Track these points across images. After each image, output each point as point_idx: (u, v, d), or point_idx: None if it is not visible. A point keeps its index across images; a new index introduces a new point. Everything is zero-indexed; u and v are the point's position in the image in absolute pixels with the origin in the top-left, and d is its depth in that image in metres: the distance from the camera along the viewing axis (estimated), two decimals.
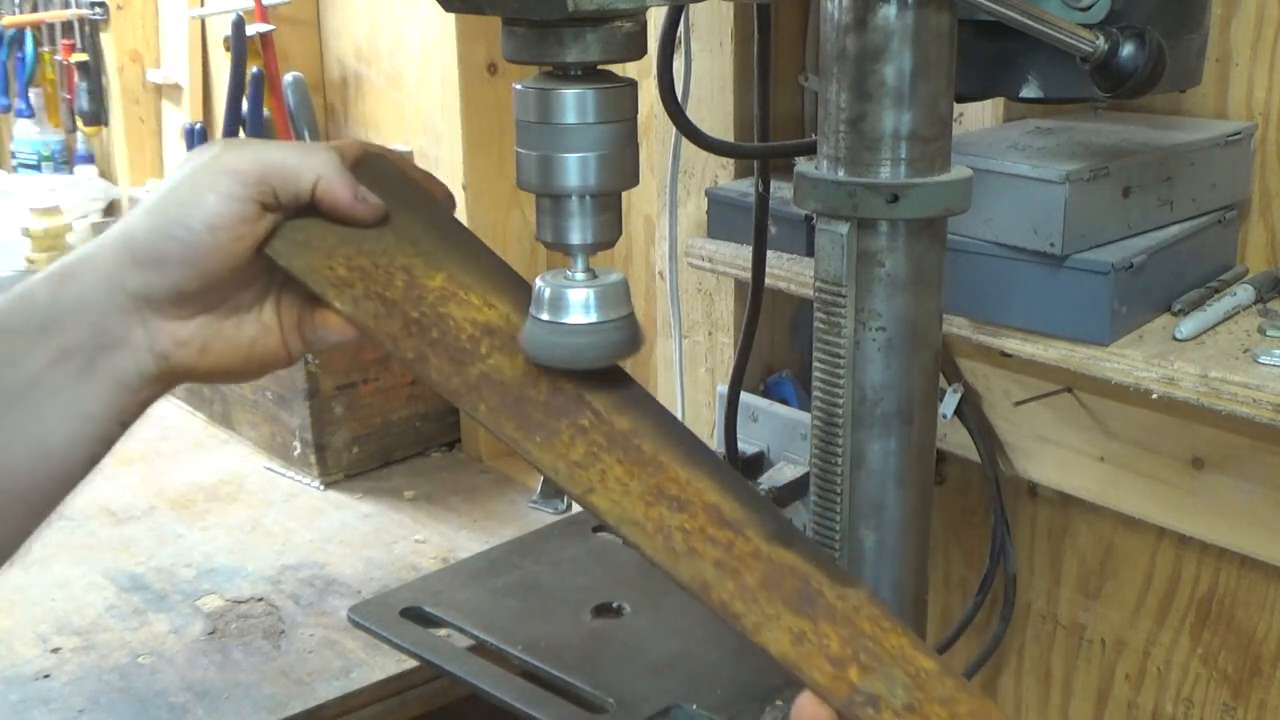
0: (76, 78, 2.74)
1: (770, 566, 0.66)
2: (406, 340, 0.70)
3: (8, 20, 2.91)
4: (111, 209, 2.84)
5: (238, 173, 0.69)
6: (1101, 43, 0.76)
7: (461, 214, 1.82)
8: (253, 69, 2.05)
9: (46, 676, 1.30)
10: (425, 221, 0.76)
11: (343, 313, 0.71)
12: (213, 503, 1.72)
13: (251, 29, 2.08)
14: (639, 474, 0.68)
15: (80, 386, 0.70)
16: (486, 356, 0.71)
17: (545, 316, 0.70)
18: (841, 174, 0.77)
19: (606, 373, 0.72)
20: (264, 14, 2.14)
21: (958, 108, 1.01)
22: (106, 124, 2.77)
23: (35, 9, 2.89)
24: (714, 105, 1.30)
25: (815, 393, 0.82)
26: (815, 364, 0.81)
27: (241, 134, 2.05)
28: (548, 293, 0.71)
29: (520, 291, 0.75)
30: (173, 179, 0.70)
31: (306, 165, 0.71)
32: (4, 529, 0.71)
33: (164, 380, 0.73)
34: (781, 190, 1.13)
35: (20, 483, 0.70)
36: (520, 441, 0.68)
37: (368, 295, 0.71)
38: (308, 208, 0.72)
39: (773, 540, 0.67)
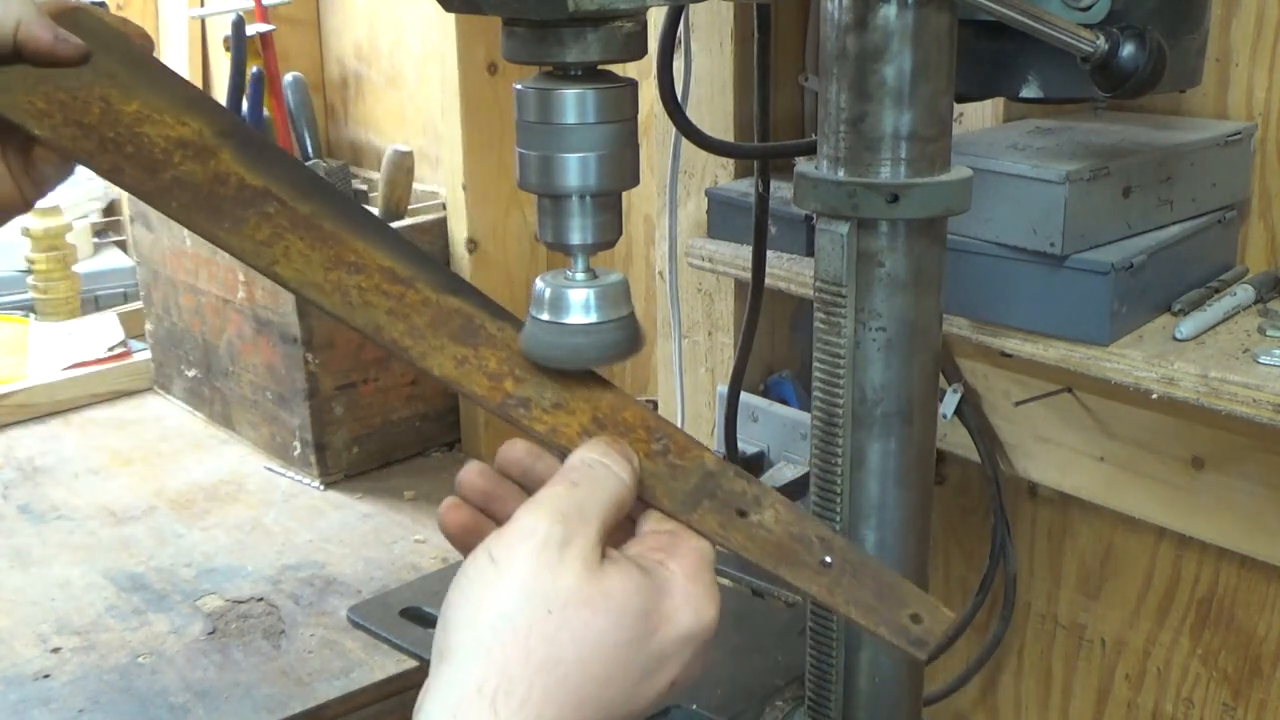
0: None
1: (437, 310, 0.74)
2: (102, 156, 0.76)
3: None
4: (111, 209, 2.84)
5: None
6: (1102, 43, 0.76)
7: (461, 214, 1.83)
8: (253, 69, 2.05)
9: (46, 676, 1.30)
10: (124, 62, 0.81)
11: (41, 137, 0.76)
12: (213, 503, 1.72)
13: (251, 29, 2.08)
14: (320, 247, 0.75)
15: None
16: (179, 165, 0.77)
17: (545, 316, 0.70)
18: (841, 174, 0.77)
19: (293, 166, 0.80)
20: (264, 14, 2.14)
21: (958, 108, 1.01)
22: None
23: None
24: (714, 105, 1.30)
25: (815, 393, 0.82)
26: (815, 364, 0.81)
27: None
28: (548, 293, 0.70)
29: (215, 113, 0.80)
30: None
31: (6, 13, 0.75)
32: None
33: None
34: (781, 190, 1.13)
35: None
36: (210, 229, 0.75)
37: (66, 123, 0.77)
38: (12, 57, 0.77)
39: (441, 290, 0.75)
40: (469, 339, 0.73)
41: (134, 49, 0.83)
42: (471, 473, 0.70)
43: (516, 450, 0.70)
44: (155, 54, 0.84)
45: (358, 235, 0.77)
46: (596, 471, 0.64)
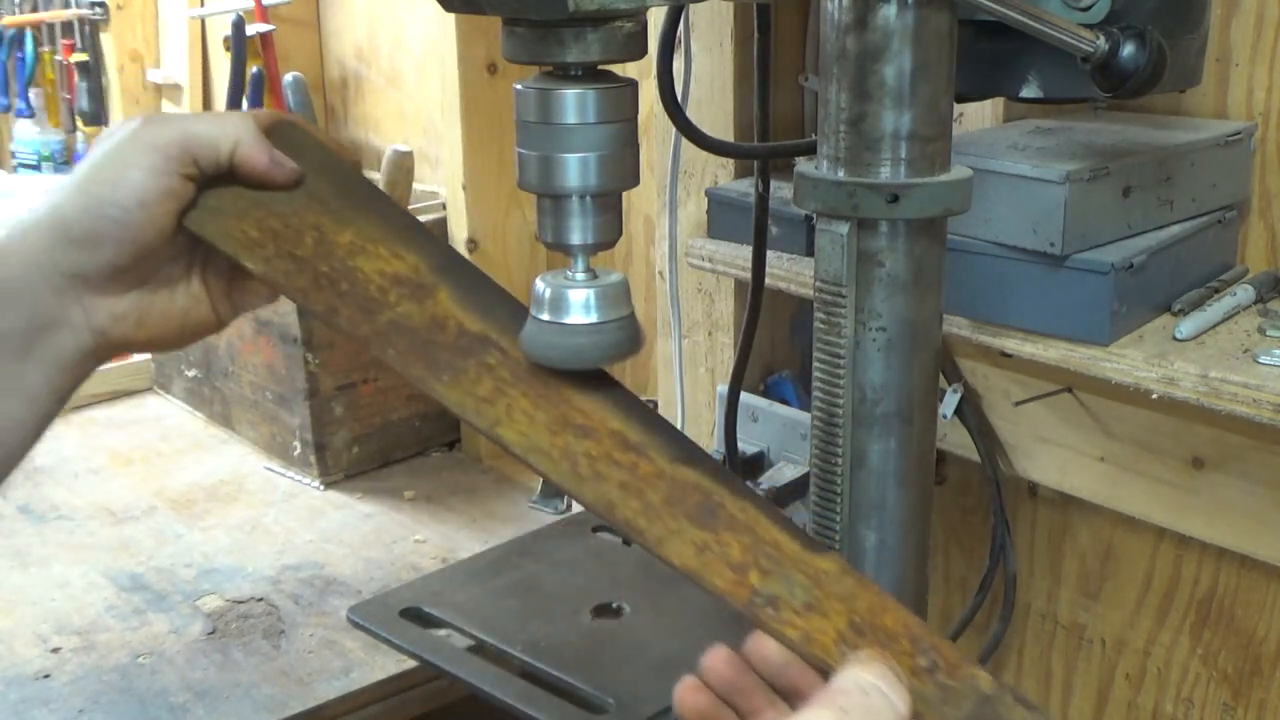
0: (76, 78, 2.74)
1: (673, 485, 0.68)
2: (316, 294, 0.73)
3: (8, 20, 2.91)
4: None
5: (160, 146, 0.70)
6: (1102, 43, 0.76)
7: (461, 214, 1.82)
8: (253, 69, 2.05)
9: (46, 676, 1.30)
10: (335, 183, 0.78)
11: (254, 272, 0.73)
12: (213, 503, 1.72)
13: (251, 29, 2.08)
14: (544, 405, 0.70)
15: (16, 369, 0.71)
16: (395, 305, 0.73)
17: (545, 317, 0.70)
18: (841, 174, 0.77)
19: (512, 311, 0.75)
20: (264, 14, 2.14)
21: (958, 108, 1.01)
22: (106, 124, 2.76)
23: (35, 9, 2.89)
24: (714, 105, 1.30)
25: (815, 393, 0.82)
26: (815, 364, 0.81)
27: None
28: (548, 293, 0.71)
29: (429, 245, 0.77)
30: (95, 156, 0.71)
31: (225, 133, 0.72)
32: None
33: (101, 354, 0.74)
34: (781, 190, 1.13)
35: None
36: (428, 380, 0.70)
37: (279, 254, 0.74)
38: (225, 177, 0.74)
39: (675, 461, 0.69)
40: (708, 521, 0.67)
41: (344, 168, 0.79)
42: (719, 659, 0.65)
43: (768, 648, 0.64)
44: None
45: (582, 390, 0.71)
46: (872, 699, 0.58)
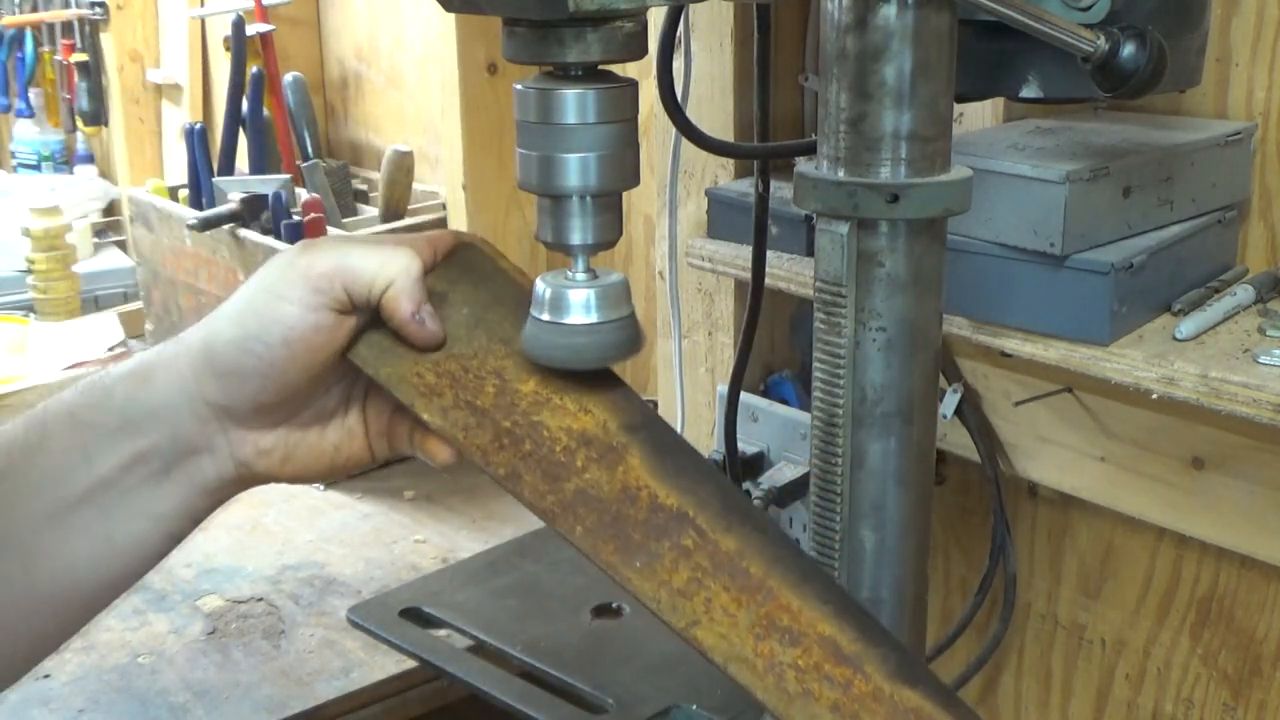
0: (76, 78, 2.74)
1: (893, 709, 0.61)
2: (498, 454, 0.67)
3: (8, 20, 2.91)
4: (111, 209, 2.85)
5: (313, 277, 0.67)
6: (1102, 43, 0.76)
7: (461, 214, 1.82)
8: (253, 69, 2.05)
9: (46, 676, 1.30)
10: (517, 318, 0.71)
11: (431, 425, 0.68)
12: None
13: (251, 29, 2.08)
14: (747, 602, 0.63)
15: (155, 489, 0.69)
16: (583, 470, 0.67)
17: (546, 317, 0.70)
18: (841, 174, 0.77)
19: (708, 478, 0.68)
20: (264, 14, 2.14)
21: (958, 108, 1.01)
22: (106, 124, 2.77)
23: (35, 9, 2.89)
24: (714, 105, 1.30)
25: (815, 393, 0.82)
26: (815, 364, 0.81)
27: (241, 134, 2.05)
28: (548, 293, 0.70)
29: (618, 392, 0.71)
30: (254, 281, 0.69)
31: (382, 271, 0.68)
32: (60, 623, 0.71)
33: (243, 483, 0.71)
34: (781, 190, 1.13)
35: (81, 578, 0.69)
36: (619, 568, 0.63)
37: (457, 404, 0.68)
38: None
39: (895, 678, 0.62)
40: None
41: (526, 302, 0.71)
42: None
43: None
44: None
45: (790, 584, 0.64)
46: None
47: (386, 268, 0.68)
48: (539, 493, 0.66)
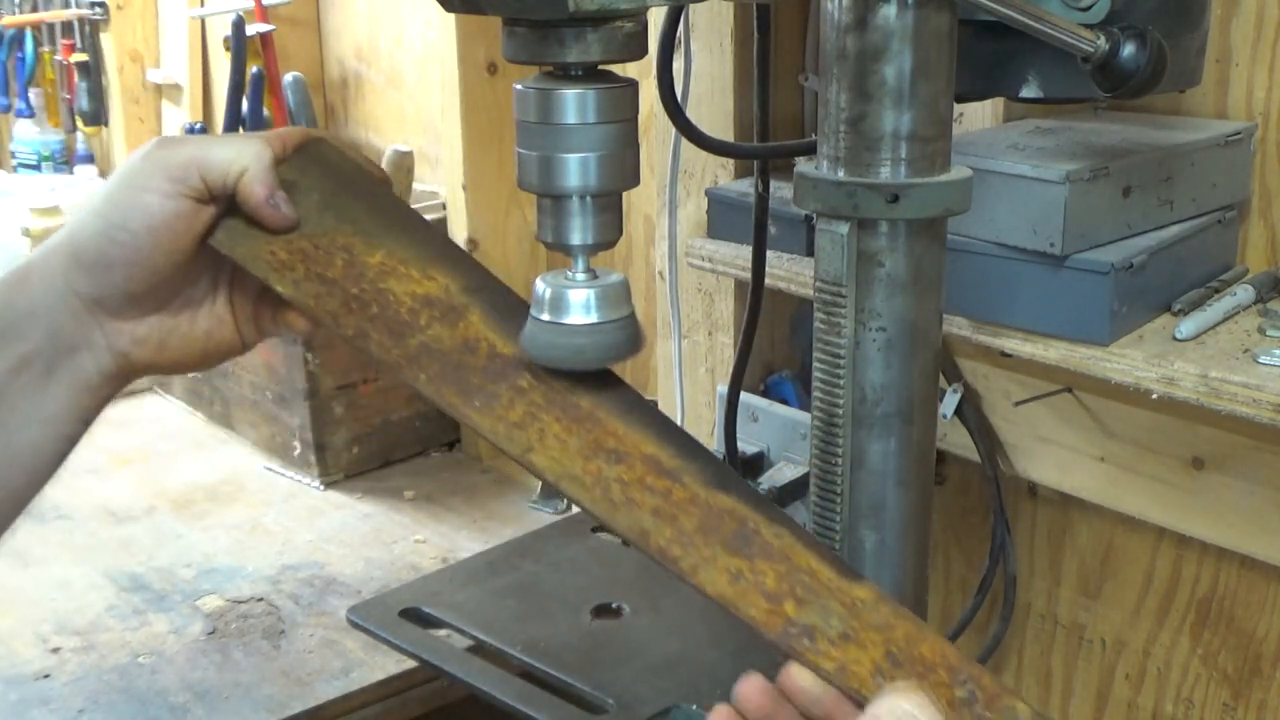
0: (76, 78, 2.74)
1: (707, 511, 0.67)
2: (347, 317, 0.72)
3: (8, 20, 2.91)
4: None
5: (170, 168, 0.70)
6: (1102, 43, 0.76)
7: (461, 214, 1.82)
8: (253, 69, 2.05)
9: (46, 676, 1.30)
10: (366, 202, 0.77)
11: (284, 295, 0.72)
12: (213, 503, 1.72)
13: (251, 29, 2.08)
14: (576, 430, 0.69)
15: (41, 391, 0.70)
16: (425, 328, 0.72)
17: (546, 317, 0.70)
18: (841, 174, 0.77)
19: None
20: (264, 14, 2.14)
21: (958, 108, 1.01)
22: (106, 124, 2.76)
23: (35, 9, 2.89)
24: (714, 105, 1.30)
25: (815, 393, 0.82)
26: (815, 364, 0.81)
27: (241, 134, 2.05)
28: (548, 293, 0.71)
29: (461, 263, 0.76)
30: (112, 178, 0.71)
31: (236, 160, 0.71)
32: None
33: (124, 377, 0.74)
34: (781, 190, 1.13)
35: None
36: (459, 407, 0.69)
37: (308, 276, 0.72)
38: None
39: (710, 486, 0.68)
40: (743, 549, 0.66)
41: (375, 187, 0.78)
42: (752, 688, 0.64)
43: (804, 679, 0.63)
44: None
45: (616, 414, 0.70)
46: None
47: (240, 156, 0.71)
48: (385, 348, 0.71)
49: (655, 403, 1.48)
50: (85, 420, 0.73)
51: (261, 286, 0.75)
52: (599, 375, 0.72)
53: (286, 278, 0.72)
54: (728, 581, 0.65)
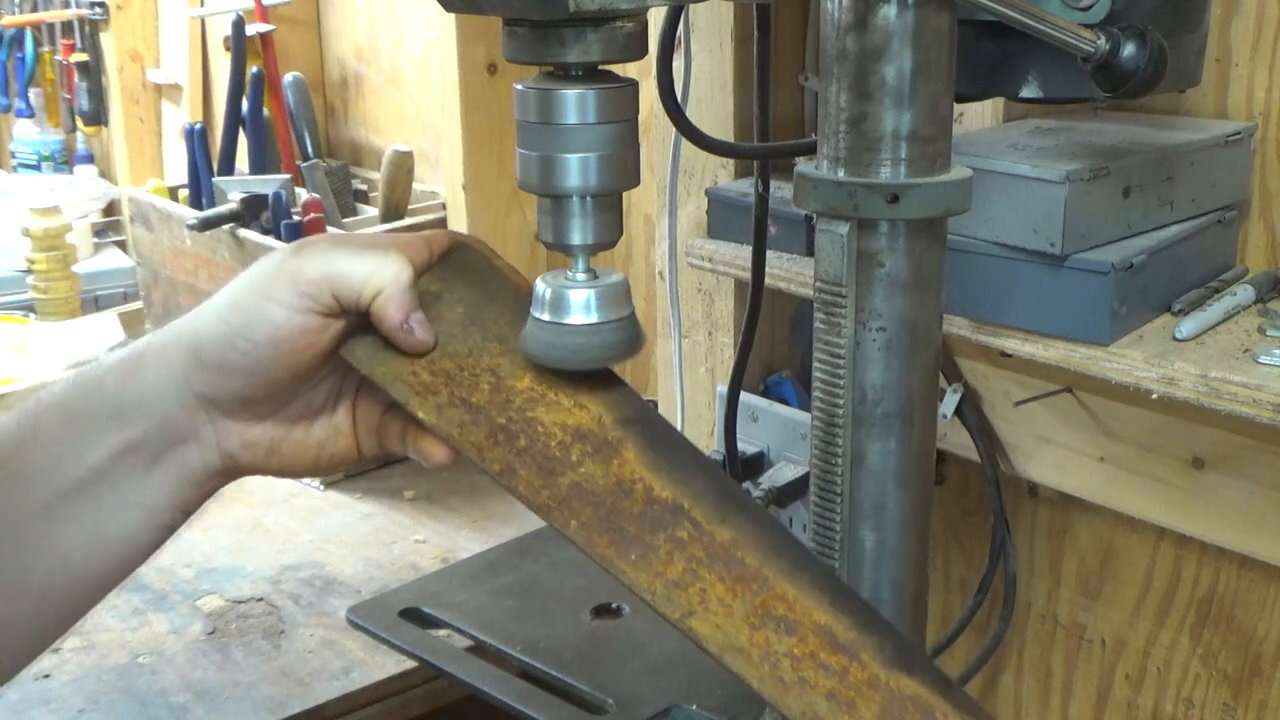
0: (76, 78, 2.74)
1: (889, 696, 0.61)
2: (493, 451, 0.67)
3: (8, 20, 2.91)
4: (111, 209, 2.85)
5: (301, 282, 0.67)
6: (1103, 43, 0.76)
7: (461, 214, 1.82)
8: (253, 69, 2.05)
9: (46, 676, 1.30)
10: (512, 317, 0.71)
11: (426, 422, 0.68)
12: (213, 503, 1.71)
13: (251, 29, 2.08)
14: (742, 592, 0.63)
15: (144, 479, 0.69)
16: (578, 465, 0.67)
17: (546, 317, 0.70)
18: (841, 174, 0.77)
19: (704, 471, 0.69)
20: (264, 14, 2.14)
21: (958, 108, 1.01)
22: (106, 124, 2.77)
23: (35, 9, 2.89)
24: (714, 105, 1.30)
25: (815, 393, 0.82)
26: (815, 364, 0.81)
27: (241, 135, 2.05)
28: (548, 293, 0.70)
29: (613, 387, 0.71)
30: (242, 279, 0.69)
31: (371, 280, 0.68)
32: (55, 618, 0.71)
33: (229, 475, 0.72)
34: (781, 190, 1.13)
35: (75, 570, 0.69)
36: (614, 560, 0.64)
37: (452, 402, 0.68)
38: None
39: (891, 666, 0.62)
40: None
41: (522, 301, 0.71)
42: None
43: None
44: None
45: (785, 574, 0.64)
46: None
47: (376, 276, 0.68)
48: (534, 488, 0.66)
49: (655, 403, 1.48)
50: (185, 512, 0.72)
51: (390, 402, 0.71)
52: (761, 518, 0.67)
53: (429, 402, 0.67)
54: None
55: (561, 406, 0.68)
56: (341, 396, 0.74)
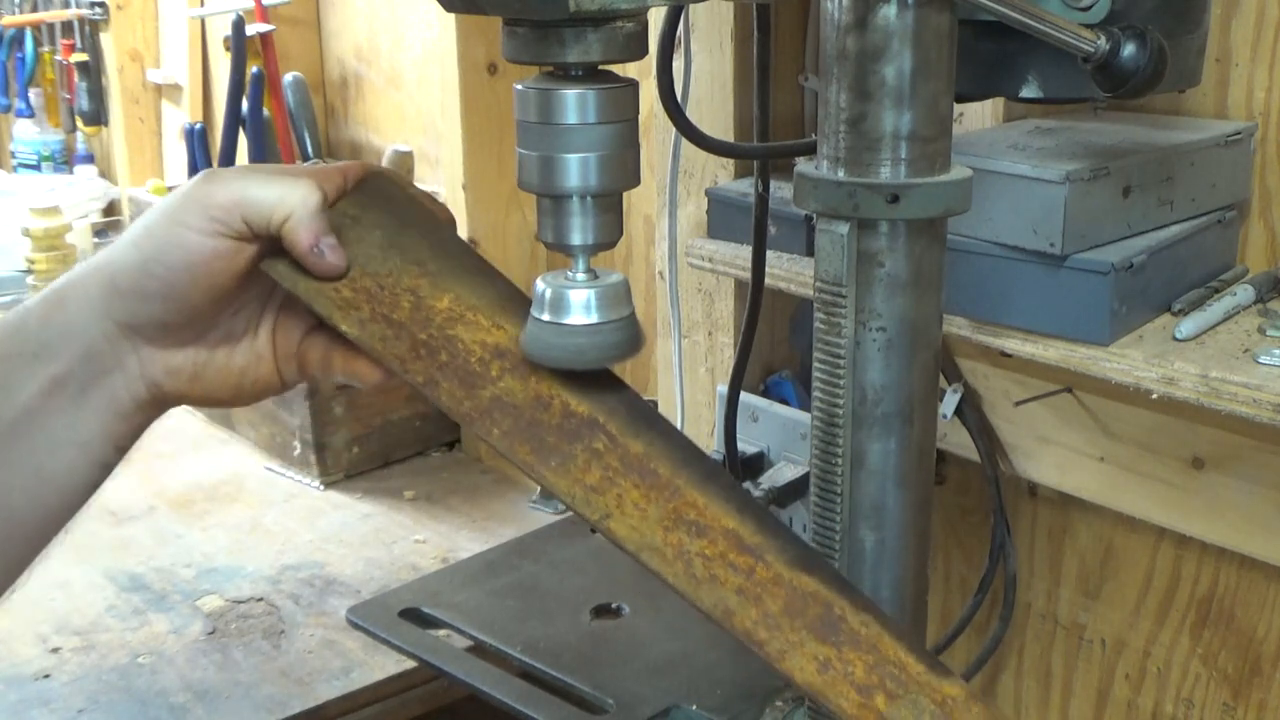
0: (76, 78, 2.74)
1: (792, 592, 0.65)
2: (415, 363, 0.69)
3: (8, 20, 2.91)
4: (111, 209, 2.85)
5: (211, 206, 0.68)
6: (1103, 43, 0.76)
7: (461, 214, 1.82)
8: (253, 69, 2.05)
9: (46, 676, 1.30)
10: (430, 243, 0.74)
11: (349, 335, 0.70)
12: (213, 503, 1.72)
13: (251, 29, 2.08)
14: (656, 498, 0.67)
15: (74, 414, 0.70)
16: (497, 379, 0.69)
17: (546, 317, 0.70)
18: (841, 174, 0.77)
19: (616, 390, 0.72)
20: (264, 14, 2.14)
21: (958, 108, 1.01)
22: (106, 124, 2.77)
23: (35, 9, 2.89)
24: (714, 105, 1.30)
25: (815, 393, 0.82)
26: (815, 364, 0.81)
27: (241, 135, 2.05)
28: (549, 293, 0.70)
29: (528, 311, 0.73)
30: (155, 209, 0.70)
31: (280, 204, 0.69)
32: (4, 560, 0.72)
33: (157, 405, 0.73)
34: (781, 190, 1.13)
35: (19, 513, 0.71)
36: (535, 466, 0.67)
37: (374, 318, 0.70)
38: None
39: (794, 565, 0.66)
40: (830, 635, 0.64)
41: (439, 226, 0.75)
42: None
43: None
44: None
45: (695, 484, 0.68)
46: None
47: (285, 200, 0.69)
48: (456, 398, 0.68)
49: (655, 403, 1.48)
50: (119, 447, 0.72)
51: (309, 326, 0.73)
52: (671, 435, 0.71)
53: (351, 317, 0.69)
54: (816, 670, 0.63)
55: (480, 326, 0.71)
56: (262, 322, 0.75)
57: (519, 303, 0.74)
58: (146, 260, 0.68)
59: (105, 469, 0.72)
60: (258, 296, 0.73)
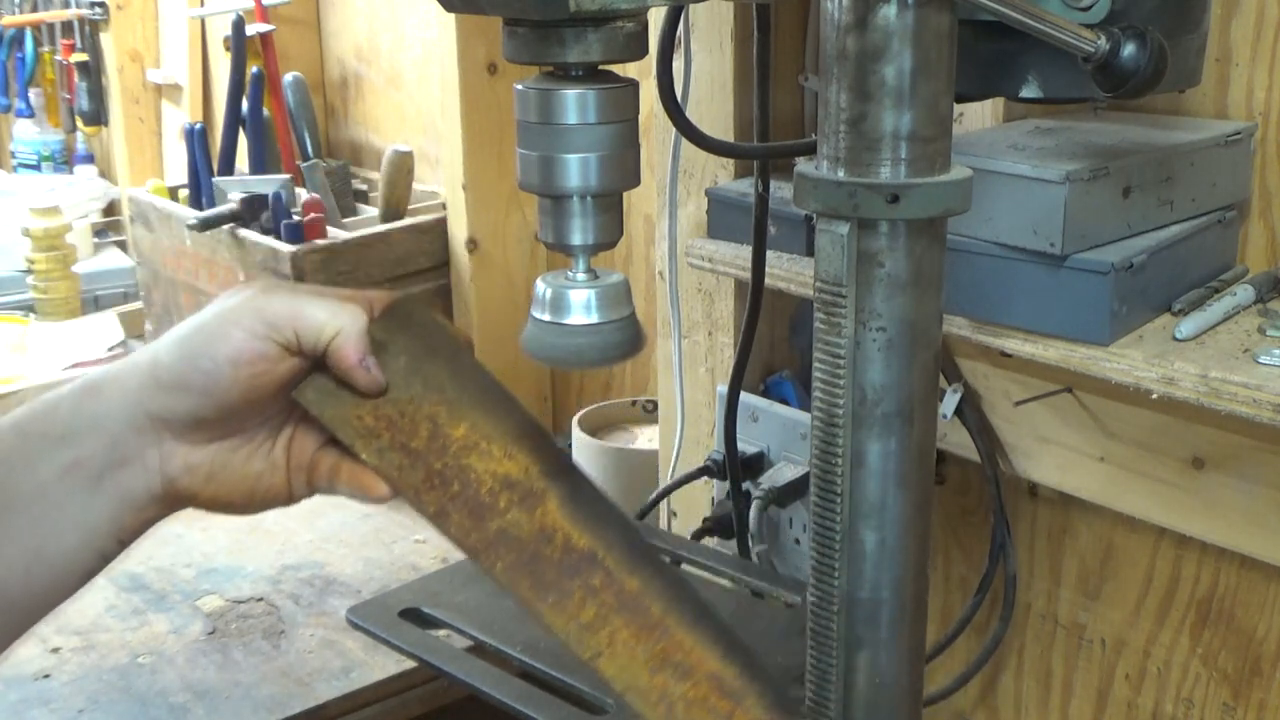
0: (76, 78, 2.74)
1: None
2: (429, 494, 0.72)
3: (8, 20, 2.91)
4: (111, 209, 2.85)
5: (265, 314, 0.71)
6: (1103, 43, 0.76)
7: (461, 214, 1.83)
8: (253, 69, 2.05)
9: (46, 676, 1.30)
10: (450, 368, 0.76)
11: (369, 464, 0.72)
12: None
13: (251, 29, 2.08)
14: (645, 638, 0.70)
15: (86, 499, 0.71)
16: (505, 511, 0.72)
17: (546, 317, 0.71)
18: (841, 174, 0.77)
19: (617, 522, 0.74)
20: (264, 14, 2.14)
21: (958, 108, 1.01)
22: (106, 124, 2.77)
23: (35, 9, 2.89)
24: (714, 105, 1.30)
25: (815, 393, 0.82)
26: (815, 364, 0.81)
27: (241, 135, 2.05)
28: (549, 293, 0.71)
29: (540, 440, 0.75)
30: (205, 312, 0.72)
31: (331, 321, 0.72)
32: None
33: (168, 502, 0.74)
34: (781, 190, 1.13)
35: (13, 589, 0.71)
36: (533, 602, 0.70)
37: (393, 445, 0.72)
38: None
39: (771, 710, 0.71)
40: None
41: (460, 352, 0.77)
42: None
43: None
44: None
45: (685, 624, 0.72)
46: None
47: (336, 317, 0.72)
48: (464, 530, 0.71)
49: (655, 403, 1.48)
50: (121, 541, 0.74)
51: (322, 441, 0.75)
52: (665, 571, 0.74)
53: (372, 445, 0.72)
54: None
55: (493, 456, 0.73)
56: (280, 434, 0.77)
57: (533, 430, 0.75)
58: (194, 354, 0.71)
59: (103, 560, 0.73)
60: (281, 411, 0.76)
